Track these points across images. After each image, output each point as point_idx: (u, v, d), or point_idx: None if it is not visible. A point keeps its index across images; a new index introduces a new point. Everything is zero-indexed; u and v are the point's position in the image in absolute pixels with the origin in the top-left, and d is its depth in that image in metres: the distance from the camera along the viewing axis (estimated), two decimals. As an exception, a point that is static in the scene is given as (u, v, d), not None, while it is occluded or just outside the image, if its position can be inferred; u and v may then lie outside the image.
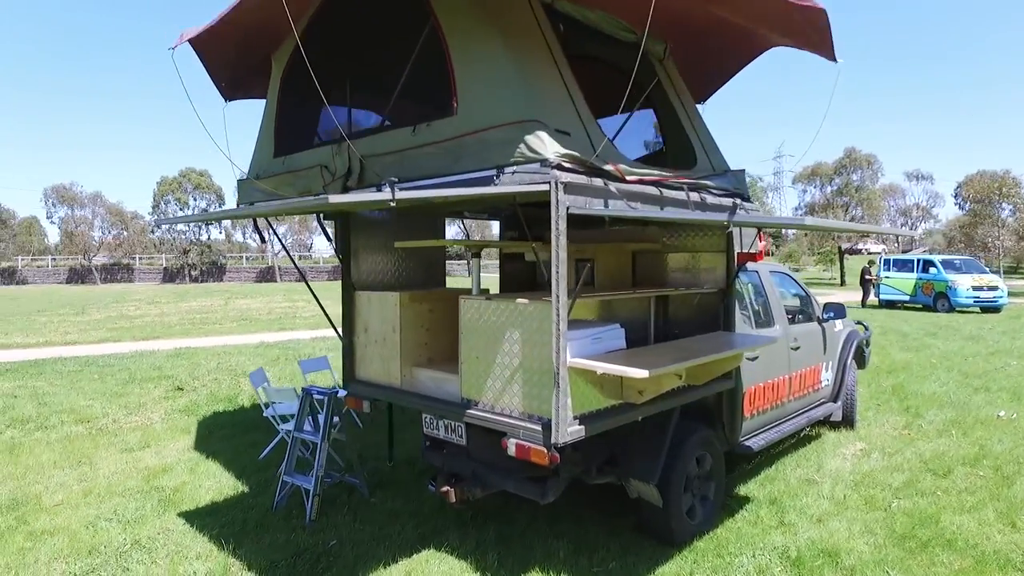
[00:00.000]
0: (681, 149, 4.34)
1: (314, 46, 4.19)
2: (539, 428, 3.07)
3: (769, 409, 4.95)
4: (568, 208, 2.97)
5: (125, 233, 56.59)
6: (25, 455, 5.86)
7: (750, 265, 5.13)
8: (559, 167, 2.98)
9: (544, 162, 2.96)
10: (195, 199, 53.83)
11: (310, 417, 4.75)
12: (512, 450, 3.21)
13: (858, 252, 52.62)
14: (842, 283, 37.95)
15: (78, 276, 53.57)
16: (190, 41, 4.25)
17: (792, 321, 5.71)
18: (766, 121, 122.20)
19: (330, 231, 4.67)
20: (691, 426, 4.12)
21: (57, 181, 65.52)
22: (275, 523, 4.27)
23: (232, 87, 5.10)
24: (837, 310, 5.89)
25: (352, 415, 5.70)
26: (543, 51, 3.37)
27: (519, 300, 3.24)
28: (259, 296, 29.46)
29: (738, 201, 4.36)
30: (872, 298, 22.20)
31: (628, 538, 3.98)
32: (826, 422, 6.27)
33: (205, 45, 4.42)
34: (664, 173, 3.73)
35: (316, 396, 4.58)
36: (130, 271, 54.62)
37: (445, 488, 3.73)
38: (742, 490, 4.81)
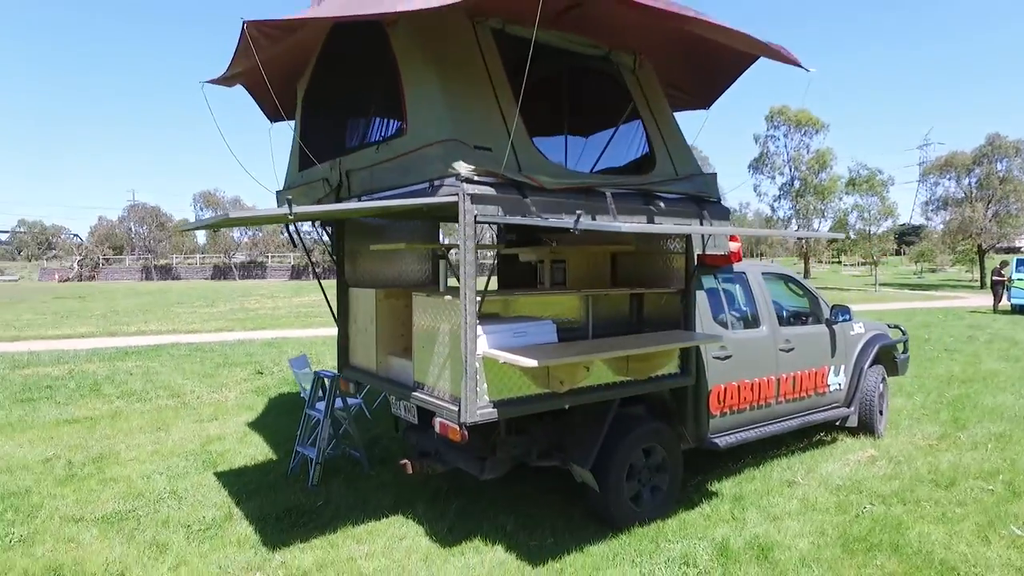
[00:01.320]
0: (644, 156, 4.57)
1: (319, 78, 4.88)
2: (455, 409, 3.51)
3: (747, 409, 5.01)
4: (476, 216, 3.38)
5: (260, 234, 62.34)
6: (122, 421, 7.10)
7: (738, 266, 5.22)
8: (469, 180, 3.40)
9: (458, 176, 3.39)
10: (319, 202, 58.27)
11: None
12: (437, 428, 3.67)
13: (1016, 250, 47.02)
14: (981, 285, 34.33)
15: (220, 272, 59.80)
16: (235, 77, 5.02)
17: (793, 323, 5.68)
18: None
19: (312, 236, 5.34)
20: (638, 418, 4.36)
21: (204, 187, 73.31)
22: (284, 485, 5.01)
23: (275, 112, 5.92)
24: (843, 312, 5.76)
25: (364, 408, 6.37)
26: (479, 76, 3.78)
27: (445, 296, 3.69)
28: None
29: (698, 206, 4.50)
30: (1005, 302, 20.04)
31: (576, 521, 4.30)
32: (843, 428, 6.11)
33: (247, 79, 5.21)
34: (590, 181, 4.01)
35: (325, 378, 5.28)
36: (263, 268, 60.19)
37: (403, 461, 4.26)
38: (714, 485, 4.92)
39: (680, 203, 4.42)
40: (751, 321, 5.23)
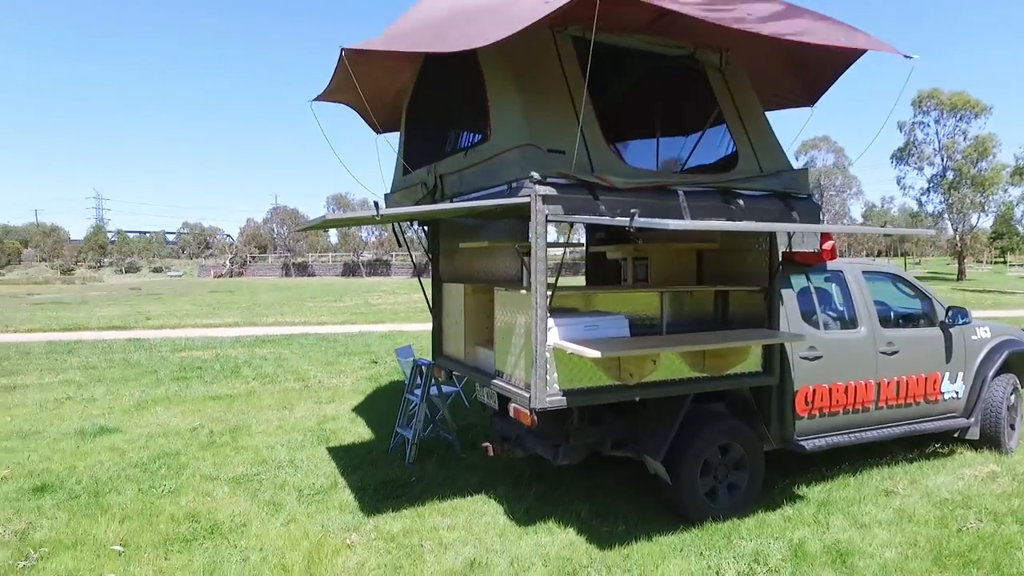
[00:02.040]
0: (729, 154, 4.55)
1: (419, 92, 5.32)
2: (527, 395, 3.74)
3: (840, 413, 4.82)
4: (547, 215, 3.59)
5: (385, 233, 66.10)
6: (255, 399, 8.03)
7: (835, 264, 5.03)
8: (541, 182, 3.62)
9: (531, 178, 3.62)
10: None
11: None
12: (511, 412, 3.92)
13: None
14: None
15: (350, 270, 64.15)
16: (335, 94, 5.60)
17: (900, 325, 5.35)
18: None
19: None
20: (716, 415, 4.36)
21: (336, 191, 78.79)
22: (384, 462, 5.49)
23: (378, 124, 6.42)
24: (961, 314, 5.33)
25: (462, 396, 6.76)
26: (556, 82, 3.98)
27: (521, 291, 3.93)
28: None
29: (783, 203, 4.40)
30: None
31: (649, 512, 4.38)
32: (963, 441, 5.65)
33: (347, 97, 5.75)
34: (662, 180, 4.07)
35: (422, 366, 5.72)
36: (388, 266, 63.84)
37: (485, 444, 4.56)
38: (801, 489, 4.79)
39: (764, 200, 4.37)
40: (847, 321, 5.01)
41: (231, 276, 62.35)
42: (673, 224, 3.25)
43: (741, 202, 4.26)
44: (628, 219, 3.20)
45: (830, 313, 5.03)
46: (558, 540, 3.98)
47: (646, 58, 4.56)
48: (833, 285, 5.12)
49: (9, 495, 4.76)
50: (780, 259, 4.41)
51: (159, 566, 3.69)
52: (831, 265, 5.07)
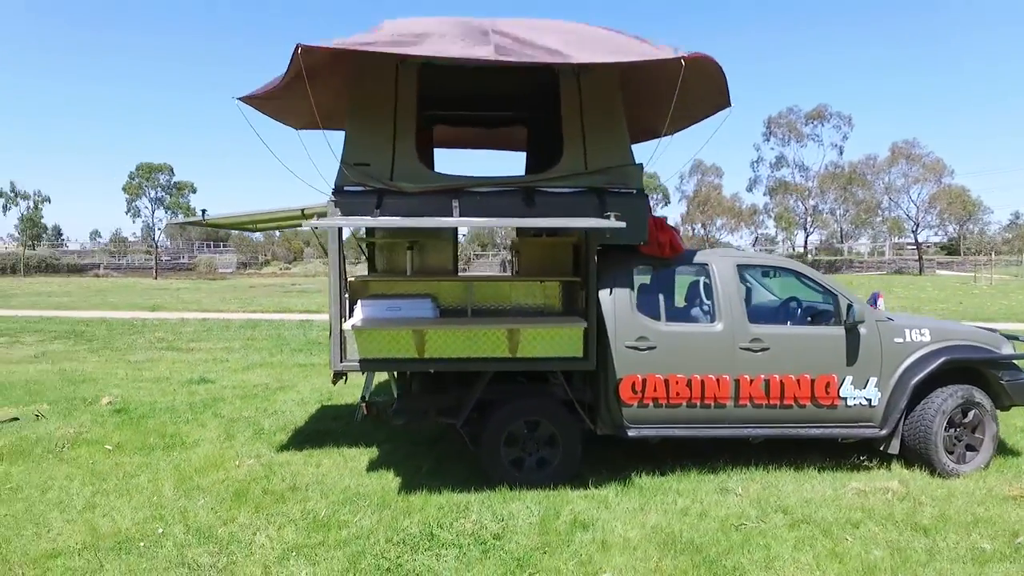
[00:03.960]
0: (555, 153, 4.91)
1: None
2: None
3: (681, 405, 4.82)
4: (338, 219, 4.50)
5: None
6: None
7: (703, 256, 5.03)
8: (338, 191, 4.54)
9: (334, 188, 4.58)
10: (643, 200, 60.43)
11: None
12: (332, 376, 4.89)
13: None
14: None
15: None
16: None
17: (791, 321, 5.07)
18: None
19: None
20: (524, 392, 4.82)
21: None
22: (347, 419, 6.78)
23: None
24: (857, 311, 4.82)
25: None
26: (385, 105, 4.82)
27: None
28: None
29: (598, 198, 4.64)
30: None
31: (477, 468, 4.97)
32: (884, 453, 5.07)
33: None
34: (456, 183, 4.63)
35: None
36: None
37: (361, 404, 5.56)
38: (641, 473, 4.91)
39: (575, 196, 4.69)
40: (701, 315, 4.95)
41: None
42: (427, 223, 3.97)
43: (545, 199, 4.65)
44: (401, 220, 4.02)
45: (679, 306, 5.01)
46: (383, 483, 4.85)
47: (488, 73, 5.14)
48: (692, 278, 5.07)
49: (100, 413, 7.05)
50: (596, 251, 4.68)
51: (117, 456, 5.43)
52: (698, 259, 5.05)
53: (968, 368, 5.08)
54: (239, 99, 5.14)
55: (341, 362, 4.61)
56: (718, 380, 4.83)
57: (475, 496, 4.55)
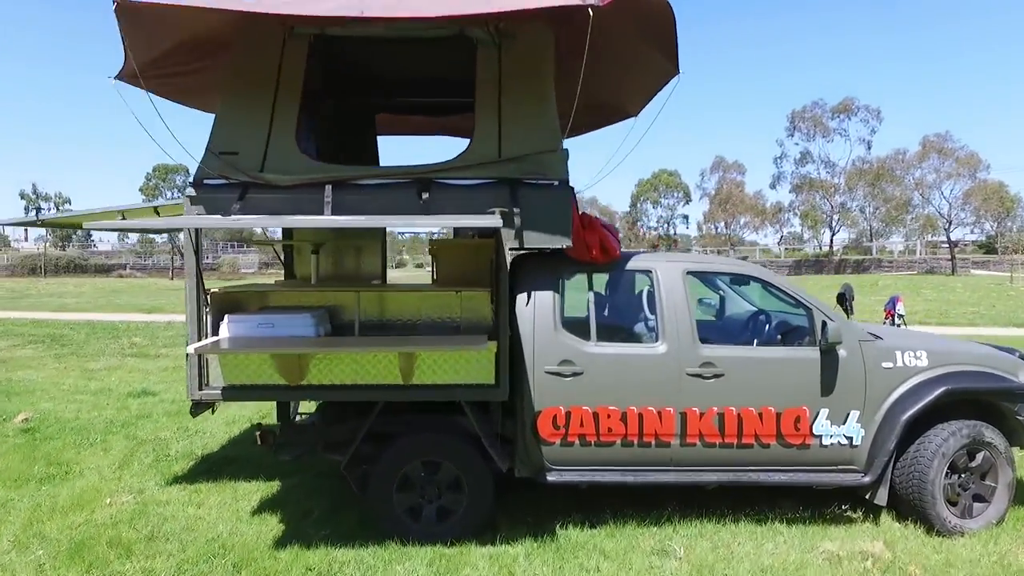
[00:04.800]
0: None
1: None
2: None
3: (615, 443, 3.96)
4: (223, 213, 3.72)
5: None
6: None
7: (642, 262, 4.17)
8: (197, 184, 3.78)
9: (192, 180, 3.82)
10: (665, 199, 59.05)
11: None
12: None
13: None
14: None
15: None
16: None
17: (754, 340, 4.18)
18: None
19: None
20: (423, 426, 4.00)
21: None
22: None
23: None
24: (833, 331, 3.90)
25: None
26: (266, 85, 4.03)
27: (213, 290, 4.11)
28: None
29: (510, 190, 3.81)
30: None
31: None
32: (870, 503, 4.13)
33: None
34: (336, 175, 3.82)
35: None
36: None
37: (258, 432, 4.80)
38: (561, 528, 4.06)
39: (481, 189, 3.85)
40: (642, 333, 4.08)
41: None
42: (267, 221, 3.19)
43: (440, 192, 3.83)
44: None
45: (613, 322, 4.15)
46: (259, 531, 4.09)
47: (393, 45, 4.34)
48: (633, 288, 4.21)
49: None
50: (506, 256, 3.85)
51: None
52: (638, 263, 4.18)
53: (977, 400, 4.12)
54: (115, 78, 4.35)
55: (200, 389, 3.85)
56: (660, 413, 3.95)
57: (355, 554, 3.76)
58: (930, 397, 3.93)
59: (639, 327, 4.19)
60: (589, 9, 3.23)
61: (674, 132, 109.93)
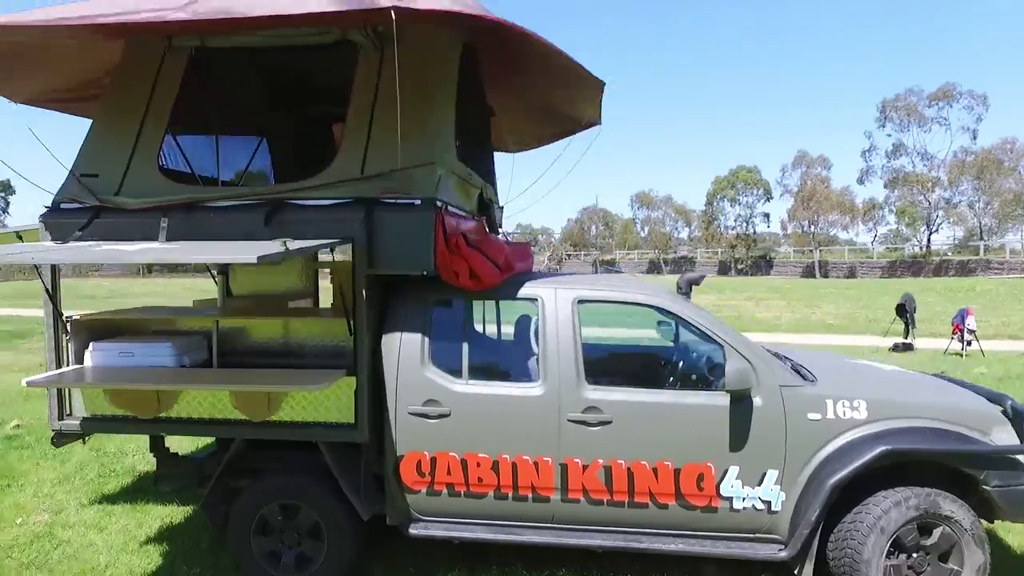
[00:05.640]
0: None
1: None
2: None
3: (488, 495, 3.51)
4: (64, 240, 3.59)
5: (687, 229, 64.27)
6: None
7: (530, 290, 3.69)
8: (51, 208, 3.67)
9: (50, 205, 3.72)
10: (743, 196, 56.25)
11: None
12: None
13: None
14: None
15: (655, 267, 64.16)
16: None
17: (651, 382, 3.60)
18: None
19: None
20: (270, 469, 3.71)
21: (641, 188, 79.74)
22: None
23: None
24: (732, 376, 3.26)
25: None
26: (136, 102, 3.88)
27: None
28: (795, 296, 27.11)
29: (365, 210, 3.44)
30: None
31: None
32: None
33: None
34: (184, 197, 3.57)
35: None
36: (692, 264, 61.86)
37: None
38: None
39: (335, 209, 3.51)
40: (518, 371, 3.60)
41: (548, 271, 68.50)
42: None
43: (290, 214, 3.52)
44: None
45: (487, 358, 3.68)
46: (140, 563, 3.96)
47: (279, 54, 4.07)
48: (517, 319, 3.72)
49: None
50: (363, 281, 3.49)
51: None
52: (523, 291, 3.69)
53: (936, 464, 3.35)
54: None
55: (60, 420, 3.75)
56: (537, 464, 3.47)
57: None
58: (863, 459, 3.22)
59: (520, 364, 3.70)
60: (392, 12, 2.83)
61: (752, 127, 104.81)
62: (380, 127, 3.66)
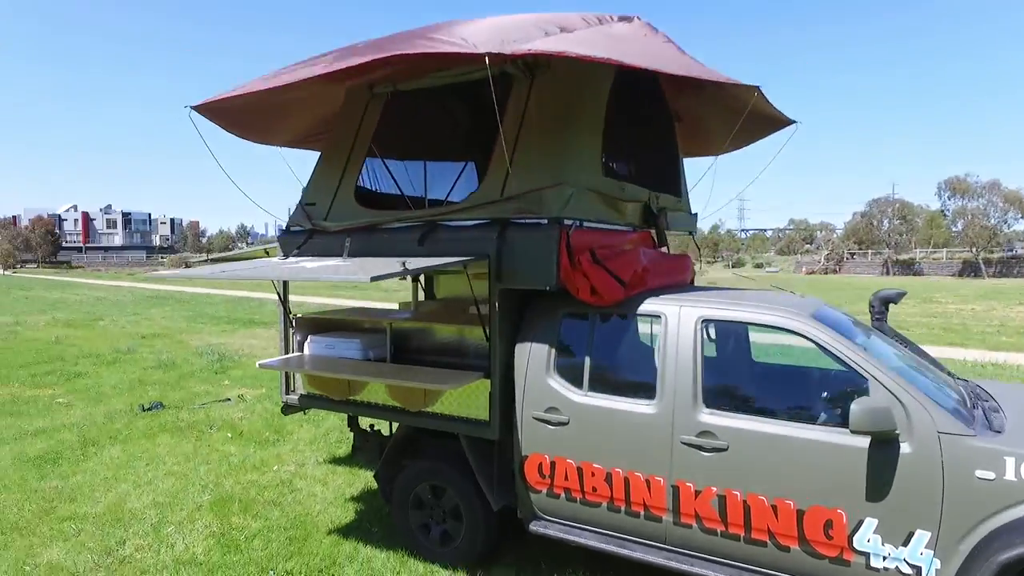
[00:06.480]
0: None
1: None
2: None
3: (601, 505, 3.57)
4: (287, 256, 4.67)
5: None
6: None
7: (651, 307, 3.70)
8: (284, 231, 4.75)
9: (284, 228, 4.81)
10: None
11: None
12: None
13: None
14: None
15: (971, 269, 53.02)
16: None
17: (783, 415, 3.29)
18: None
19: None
20: (426, 453, 4.25)
21: (953, 173, 65.99)
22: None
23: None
24: (866, 414, 2.78)
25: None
26: (344, 141, 4.80)
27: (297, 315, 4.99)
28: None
29: (500, 230, 3.78)
30: None
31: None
32: None
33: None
34: (367, 220, 4.26)
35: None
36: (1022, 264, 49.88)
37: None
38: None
39: (474, 229, 3.93)
40: (637, 387, 3.53)
41: (824, 273, 61.40)
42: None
43: (443, 235, 4.03)
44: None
45: (609, 371, 3.66)
46: (338, 513, 4.95)
47: (452, 92, 4.64)
48: (638, 335, 3.65)
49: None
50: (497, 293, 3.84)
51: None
52: (647, 306, 3.66)
53: None
54: (193, 108, 4.49)
55: (286, 395, 4.83)
56: (648, 481, 3.43)
57: (385, 553, 4.25)
58: (1045, 534, 2.53)
59: (636, 380, 3.64)
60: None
61: None
62: (522, 152, 3.95)
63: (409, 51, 3.39)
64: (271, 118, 5.07)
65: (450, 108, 5.35)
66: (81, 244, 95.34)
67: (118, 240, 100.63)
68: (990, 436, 2.83)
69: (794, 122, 5.35)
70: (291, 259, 4.50)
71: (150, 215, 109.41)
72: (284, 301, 4.81)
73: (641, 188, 4.69)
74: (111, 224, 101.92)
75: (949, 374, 3.96)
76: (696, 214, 5.87)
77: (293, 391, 4.81)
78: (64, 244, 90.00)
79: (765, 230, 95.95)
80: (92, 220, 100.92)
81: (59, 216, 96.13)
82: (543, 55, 3.56)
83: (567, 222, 3.75)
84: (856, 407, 2.82)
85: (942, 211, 61.87)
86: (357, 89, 4.76)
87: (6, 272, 65.72)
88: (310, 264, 4.04)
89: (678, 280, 4.54)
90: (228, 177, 4.86)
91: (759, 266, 71.85)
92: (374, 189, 5.03)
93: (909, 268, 57.85)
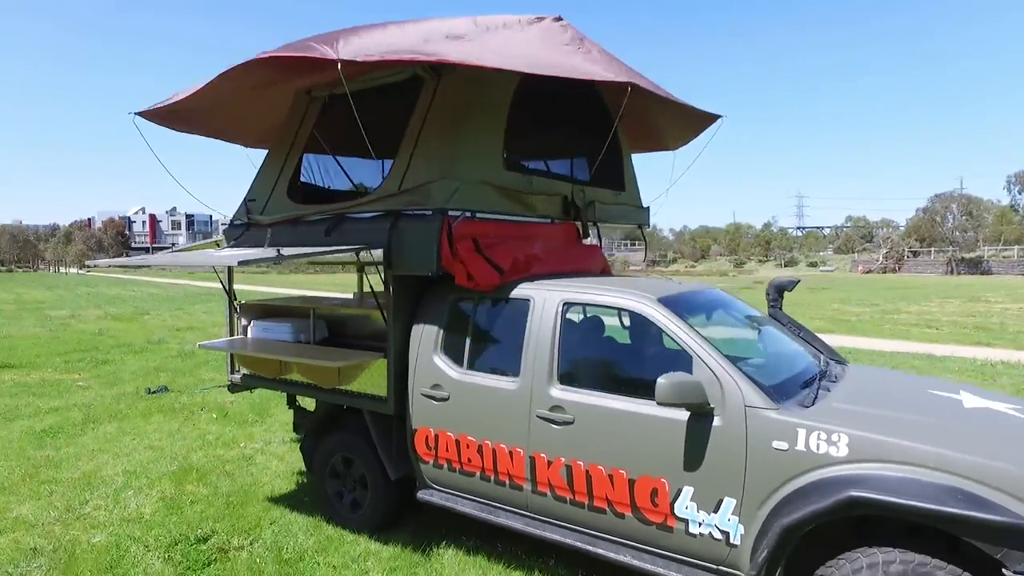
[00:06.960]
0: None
1: None
2: None
3: (476, 475, 3.85)
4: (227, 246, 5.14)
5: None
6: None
7: (522, 291, 3.96)
8: (228, 224, 5.21)
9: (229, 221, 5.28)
10: None
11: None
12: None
13: None
14: None
15: (1043, 267, 49.99)
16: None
17: (626, 390, 3.50)
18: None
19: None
20: (340, 426, 4.63)
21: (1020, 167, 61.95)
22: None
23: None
24: (672, 387, 2.96)
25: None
26: (285, 142, 5.24)
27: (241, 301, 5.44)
28: None
29: (393, 221, 4.11)
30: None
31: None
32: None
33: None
34: (292, 214, 4.66)
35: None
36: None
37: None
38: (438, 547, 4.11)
39: (372, 221, 4.28)
40: (505, 366, 3.79)
41: (883, 272, 58.92)
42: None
43: (346, 226, 4.39)
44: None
45: (487, 351, 3.92)
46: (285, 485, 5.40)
47: (378, 94, 4.99)
48: (511, 318, 3.90)
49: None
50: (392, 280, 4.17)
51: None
52: (519, 292, 3.91)
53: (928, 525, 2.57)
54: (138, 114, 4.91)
55: (231, 374, 5.30)
56: (511, 452, 3.70)
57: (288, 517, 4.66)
58: (821, 504, 2.67)
59: (506, 358, 3.88)
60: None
61: None
62: (421, 148, 4.27)
63: (265, 55, 3.78)
64: (220, 120, 5.52)
65: (376, 109, 5.70)
66: (149, 244, 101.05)
67: (182, 240, 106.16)
68: (796, 411, 2.97)
69: (720, 116, 5.49)
70: (224, 250, 4.95)
71: (211, 216, 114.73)
72: (229, 289, 5.28)
73: (559, 182, 4.92)
74: (176, 225, 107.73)
75: (833, 359, 4.06)
76: (648, 208, 6.04)
77: (237, 371, 5.27)
78: (133, 244, 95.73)
79: (822, 228, 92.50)
80: (159, 222, 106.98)
81: (128, 218, 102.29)
82: (397, 62, 3.86)
83: (453, 213, 4.05)
84: (662, 380, 3.01)
85: (1013, 206, 58.48)
86: (299, 93, 5.18)
87: (80, 272, 70.36)
88: (219, 253, 4.47)
89: (580, 269, 4.75)
90: (169, 174, 5.35)
91: (813, 265, 69.53)
92: (306, 185, 5.44)
93: (976, 267, 54.87)
